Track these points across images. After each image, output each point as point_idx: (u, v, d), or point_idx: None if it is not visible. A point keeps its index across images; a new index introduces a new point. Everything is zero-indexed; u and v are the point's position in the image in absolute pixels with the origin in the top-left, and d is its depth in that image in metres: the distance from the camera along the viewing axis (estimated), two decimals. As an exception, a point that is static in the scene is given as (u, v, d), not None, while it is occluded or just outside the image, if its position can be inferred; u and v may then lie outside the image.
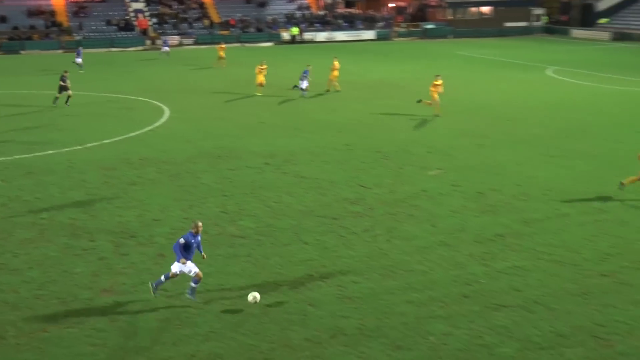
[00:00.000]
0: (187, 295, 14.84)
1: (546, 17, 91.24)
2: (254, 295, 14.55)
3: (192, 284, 14.79)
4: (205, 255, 15.26)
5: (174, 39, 72.24)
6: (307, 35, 76.49)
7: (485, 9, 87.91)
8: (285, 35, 76.23)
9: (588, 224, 19.36)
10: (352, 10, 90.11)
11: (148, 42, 73.50)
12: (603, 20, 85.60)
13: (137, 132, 30.65)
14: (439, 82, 34.18)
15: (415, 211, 20.38)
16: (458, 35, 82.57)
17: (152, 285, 15.02)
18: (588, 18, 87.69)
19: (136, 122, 32.81)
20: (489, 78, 47.82)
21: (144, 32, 75.59)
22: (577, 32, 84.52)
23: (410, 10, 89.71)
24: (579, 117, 34.16)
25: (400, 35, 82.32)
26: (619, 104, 37.59)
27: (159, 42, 70.67)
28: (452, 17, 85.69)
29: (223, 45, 56.37)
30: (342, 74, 42.45)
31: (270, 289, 15.36)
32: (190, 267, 14.61)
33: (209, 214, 19.92)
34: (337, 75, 41.47)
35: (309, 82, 39.76)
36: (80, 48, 55.71)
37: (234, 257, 17.12)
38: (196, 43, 73.71)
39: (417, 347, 13.04)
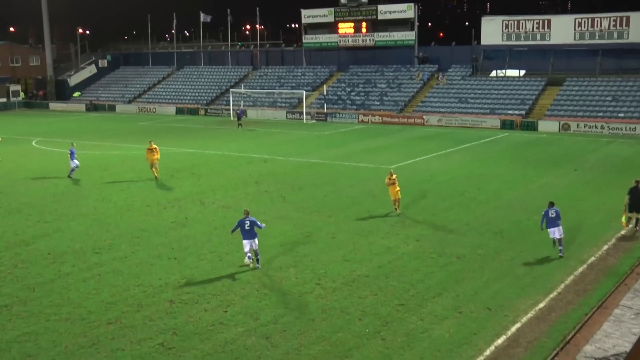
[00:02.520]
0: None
1: (23, 93, 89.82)
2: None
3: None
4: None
5: None
6: None
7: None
8: None
9: (89, 279, 19.43)
10: None
11: None
12: (77, 94, 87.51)
13: None
14: (154, 146, 34.79)
15: None
16: None
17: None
18: (63, 92, 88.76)
19: None
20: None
21: None
22: (55, 105, 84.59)
23: None
24: (66, 181, 34.09)
25: None
26: (92, 168, 38.59)
27: None
28: None
29: None
30: None
31: None
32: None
33: None
34: None
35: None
36: None
37: None
38: None
39: None
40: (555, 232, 21.17)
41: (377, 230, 24.44)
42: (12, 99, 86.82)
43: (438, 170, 36.60)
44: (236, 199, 29.50)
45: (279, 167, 38.24)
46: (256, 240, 20.17)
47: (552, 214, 21.24)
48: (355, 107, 66.61)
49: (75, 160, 35.71)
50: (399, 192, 26.85)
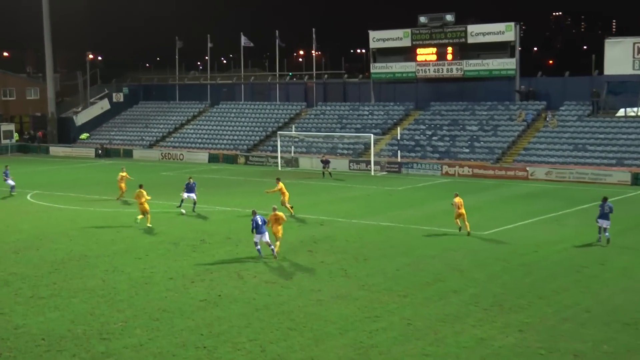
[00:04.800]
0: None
1: (17, 134, 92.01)
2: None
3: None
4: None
5: None
6: None
7: None
8: None
9: (94, 372, 19.59)
10: None
11: None
12: (84, 136, 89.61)
13: None
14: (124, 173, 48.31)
15: None
16: None
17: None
18: (68, 133, 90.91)
19: None
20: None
21: None
22: (56, 150, 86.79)
23: None
24: (67, 247, 34.75)
25: None
26: (101, 230, 39.27)
27: None
28: None
29: None
30: None
31: None
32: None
33: None
34: None
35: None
36: None
37: None
38: None
39: None
40: (604, 223, 33.63)
41: (465, 315, 24.11)
42: (4, 142, 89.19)
43: (546, 238, 36.11)
44: (284, 272, 29.55)
45: (340, 231, 38.31)
46: (266, 234, 31.53)
47: (607, 209, 33.53)
48: (437, 155, 66.61)
49: (192, 195, 43.93)
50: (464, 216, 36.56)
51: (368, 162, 65.85)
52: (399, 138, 68.44)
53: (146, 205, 39.68)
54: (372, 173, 64.41)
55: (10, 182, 51.64)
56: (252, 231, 31.63)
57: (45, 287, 27.98)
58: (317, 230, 38.41)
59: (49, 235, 37.76)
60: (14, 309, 25.21)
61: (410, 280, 28.44)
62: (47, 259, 32.63)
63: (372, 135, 67.44)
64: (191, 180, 44.77)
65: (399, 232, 38.04)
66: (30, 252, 34.03)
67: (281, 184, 43.05)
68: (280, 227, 32.56)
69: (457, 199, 36.99)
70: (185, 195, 44.08)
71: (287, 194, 42.83)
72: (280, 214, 33.01)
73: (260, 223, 31.30)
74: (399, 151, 66.96)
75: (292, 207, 42.85)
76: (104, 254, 33.41)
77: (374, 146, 66.44)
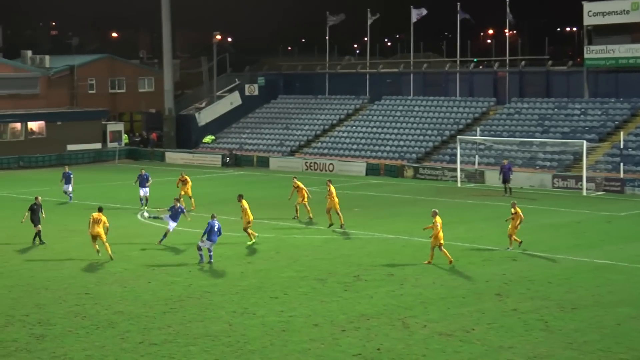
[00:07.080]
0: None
1: (126, 136, 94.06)
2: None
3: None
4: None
5: None
6: None
7: (35, 125, 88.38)
8: None
9: None
10: None
11: None
12: (208, 139, 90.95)
13: None
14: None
15: None
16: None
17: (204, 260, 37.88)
18: (188, 135, 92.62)
19: None
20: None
21: None
22: (174, 156, 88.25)
23: None
24: (186, 280, 35.52)
25: None
26: (228, 259, 39.98)
27: None
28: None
29: None
30: None
31: None
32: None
33: None
34: None
35: None
36: None
37: None
38: None
39: None
40: None
41: None
42: (110, 145, 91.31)
43: None
44: (463, 321, 29.31)
45: (539, 269, 37.83)
46: (210, 244, 38.27)
47: None
48: (677, 169, 64.92)
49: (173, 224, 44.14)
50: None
51: (579, 178, 64.61)
52: (621, 146, 66.86)
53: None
54: (584, 192, 63.14)
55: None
56: (203, 236, 38.29)
57: (158, 330, 28.67)
58: (509, 268, 37.97)
59: (163, 266, 38.77)
60: (120, 357, 25.90)
61: (636, 339, 27.70)
62: (160, 295, 33.49)
63: (584, 142, 66.16)
64: (178, 203, 45.27)
65: (620, 274, 37.15)
66: (140, 285, 34.98)
67: (333, 189, 48.76)
68: (440, 235, 37.74)
69: (518, 209, 41.93)
70: (171, 225, 44.16)
71: (335, 200, 48.07)
72: (440, 219, 38.17)
73: (215, 230, 38.06)
74: (621, 164, 65.40)
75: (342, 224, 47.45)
76: (230, 291, 33.97)
77: (587, 157, 65.13)
